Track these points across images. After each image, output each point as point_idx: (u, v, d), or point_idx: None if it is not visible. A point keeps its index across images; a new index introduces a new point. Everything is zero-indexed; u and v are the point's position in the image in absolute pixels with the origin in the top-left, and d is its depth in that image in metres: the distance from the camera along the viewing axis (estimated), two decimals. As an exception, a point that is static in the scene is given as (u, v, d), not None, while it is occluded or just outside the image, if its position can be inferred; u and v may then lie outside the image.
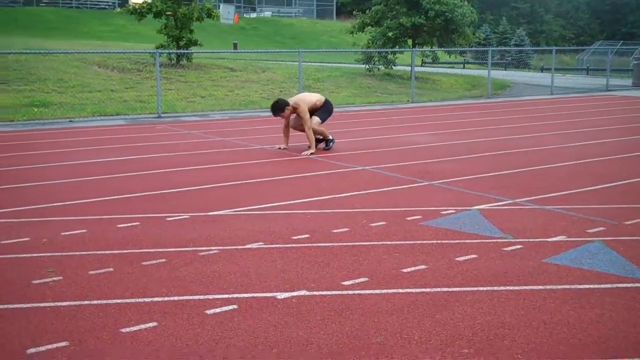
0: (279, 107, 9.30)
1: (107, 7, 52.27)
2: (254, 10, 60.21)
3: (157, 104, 14.22)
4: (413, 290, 4.03)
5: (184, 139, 10.79)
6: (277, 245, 4.93)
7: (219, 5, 47.32)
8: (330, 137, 9.73)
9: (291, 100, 9.42)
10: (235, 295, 3.96)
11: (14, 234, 5.23)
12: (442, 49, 24.93)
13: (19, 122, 12.93)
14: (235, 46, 31.80)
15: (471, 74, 28.01)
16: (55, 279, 4.23)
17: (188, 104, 16.10)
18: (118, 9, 46.61)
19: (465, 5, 24.15)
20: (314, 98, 9.59)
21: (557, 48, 26.87)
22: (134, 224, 5.55)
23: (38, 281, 4.18)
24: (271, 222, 5.62)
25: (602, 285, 4.12)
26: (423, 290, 4.04)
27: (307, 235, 5.18)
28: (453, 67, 33.94)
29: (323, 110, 9.63)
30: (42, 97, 15.32)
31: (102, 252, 4.79)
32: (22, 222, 5.60)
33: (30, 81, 16.82)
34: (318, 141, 9.55)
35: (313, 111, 9.50)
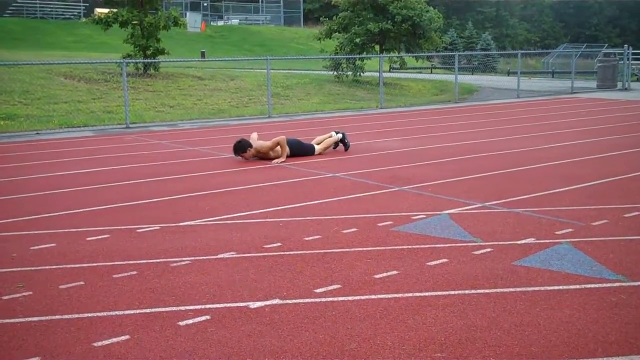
0: (241, 147, 9.24)
1: (72, 17, 51.75)
2: (221, 18, 60.06)
3: (125, 114, 14.11)
4: (385, 296, 4.06)
5: (153, 149, 10.73)
6: (249, 255, 4.93)
7: (185, 14, 47.16)
8: (340, 136, 9.98)
9: (255, 143, 9.34)
10: (207, 306, 3.95)
11: (-18, 249, 5.16)
12: (410, 54, 25.11)
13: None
14: (203, 54, 31.68)
15: (439, 79, 28.25)
16: (25, 294, 4.18)
17: (156, 113, 16.00)
18: (83, 19, 46.16)
19: (432, 10, 24.35)
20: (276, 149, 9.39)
21: (522, 52, 27.21)
22: (104, 236, 5.50)
23: (8, 297, 4.13)
24: (243, 231, 5.62)
25: (571, 287, 4.18)
26: (395, 295, 4.07)
27: (279, 244, 5.19)
28: (421, 72, 34.18)
29: (295, 147, 9.48)
30: (8, 109, 15.11)
31: (72, 265, 4.74)
32: (-11, 237, 5.53)
33: (-6, 94, 16.58)
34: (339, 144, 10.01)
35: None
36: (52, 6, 52.67)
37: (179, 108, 16.97)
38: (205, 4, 60.11)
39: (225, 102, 18.28)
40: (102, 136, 12.67)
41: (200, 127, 13.99)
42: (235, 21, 59.37)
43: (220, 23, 57.87)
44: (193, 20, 47.83)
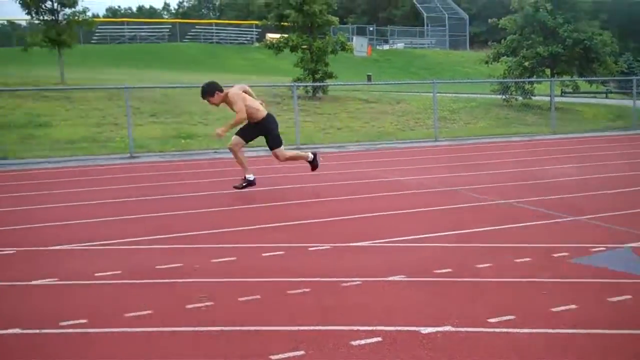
0: (208, 91, 8.18)
1: (245, 42, 54.51)
2: (386, 42, 60.77)
3: (296, 135, 14.60)
4: (564, 331, 3.88)
5: (322, 171, 10.98)
6: (420, 279, 4.91)
7: (352, 38, 48.13)
8: (311, 156, 8.84)
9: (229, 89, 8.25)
10: (379, 328, 3.97)
11: (169, 259, 5.51)
12: (583, 78, 24.06)
13: (168, 152, 13.68)
14: (369, 78, 32.17)
15: (615, 104, 26.80)
16: (207, 304, 4.41)
17: (325, 135, 16.42)
18: (256, 44, 48.47)
19: (605, 33, 23.26)
20: (254, 104, 8.29)
21: None
22: (279, 253, 5.70)
23: (191, 306, 4.38)
24: (412, 254, 5.61)
25: None
26: (574, 331, 3.88)
27: (449, 270, 5.12)
28: (595, 97, 32.58)
29: (269, 130, 8.38)
30: (189, 129, 16.13)
31: (250, 279, 4.94)
32: (175, 249, 5.90)
33: (177, 114, 17.75)
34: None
35: (250, 127, 8.32)
36: (227, 32, 55.81)
37: (346, 130, 17.31)
38: (371, 29, 61.12)
39: (392, 125, 18.41)
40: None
41: (366, 150, 14.18)
42: (400, 45, 59.82)
43: (386, 47, 58.55)
44: (359, 45, 48.73)
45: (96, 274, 5.10)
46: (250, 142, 8.55)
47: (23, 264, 5.49)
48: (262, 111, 8.28)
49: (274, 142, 8.44)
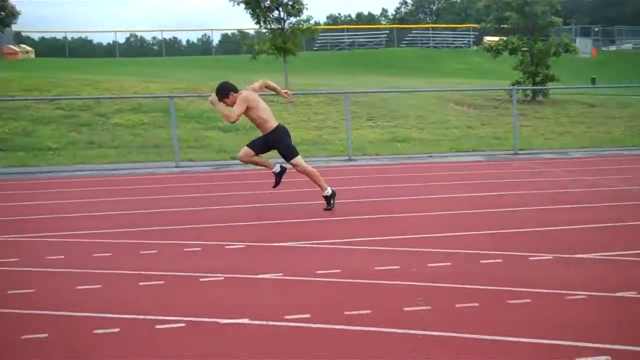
0: (222, 92, 7.79)
1: (462, 45, 53.94)
2: (613, 42, 57.09)
3: (514, 140, 14.17)
4: None
5: (535, 177, 10.57)
6: (654, 297, 4.54)
7: (575, 39, 45.81)
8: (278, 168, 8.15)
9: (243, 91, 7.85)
10: (608, 346, 3.72)
11: (386, 261, 5.59)
12: None
13: (384, 156, 13.91)
14: (593, 81, 30.42)
15: None
16: (424, 308, 4.41)
17: (545, 140, 15.78)
18: (474, 47, 47.76)
19: None
20: (266, 114, 7.87)
21: None
22: (497, 260, 5.56)
23: (409, 308, 4.39)
24: (644, 270, 5.21)
25: None
26: None
27: (689, 289, 4.69)
28: None
29: (278, 142, 7.97)
30: (404, 133, 16.28)
31: (467, 286, 4.86)
32: (392, 251, 5.97)
33: (392, 118, 17.99)
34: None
35: (260, 139, 8.03)
36: (443, 36, 55.64)
37: (568, 135, 16.52)
38: (596, 29, 57.77)
39: (619, 131, 17.25)
40: (490, 161, 12.88)
41: (592, 157, 13.41)
42: (628, 45, 55.95)
43: (612, 48, 55.03)
44: (583, 46, 46.29)
45: (317, 272, 5.30)
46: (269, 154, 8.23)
47: (251, 258, 5.86)
48: (271, 122, 7.90)
49: (286, 152, 7.99)
